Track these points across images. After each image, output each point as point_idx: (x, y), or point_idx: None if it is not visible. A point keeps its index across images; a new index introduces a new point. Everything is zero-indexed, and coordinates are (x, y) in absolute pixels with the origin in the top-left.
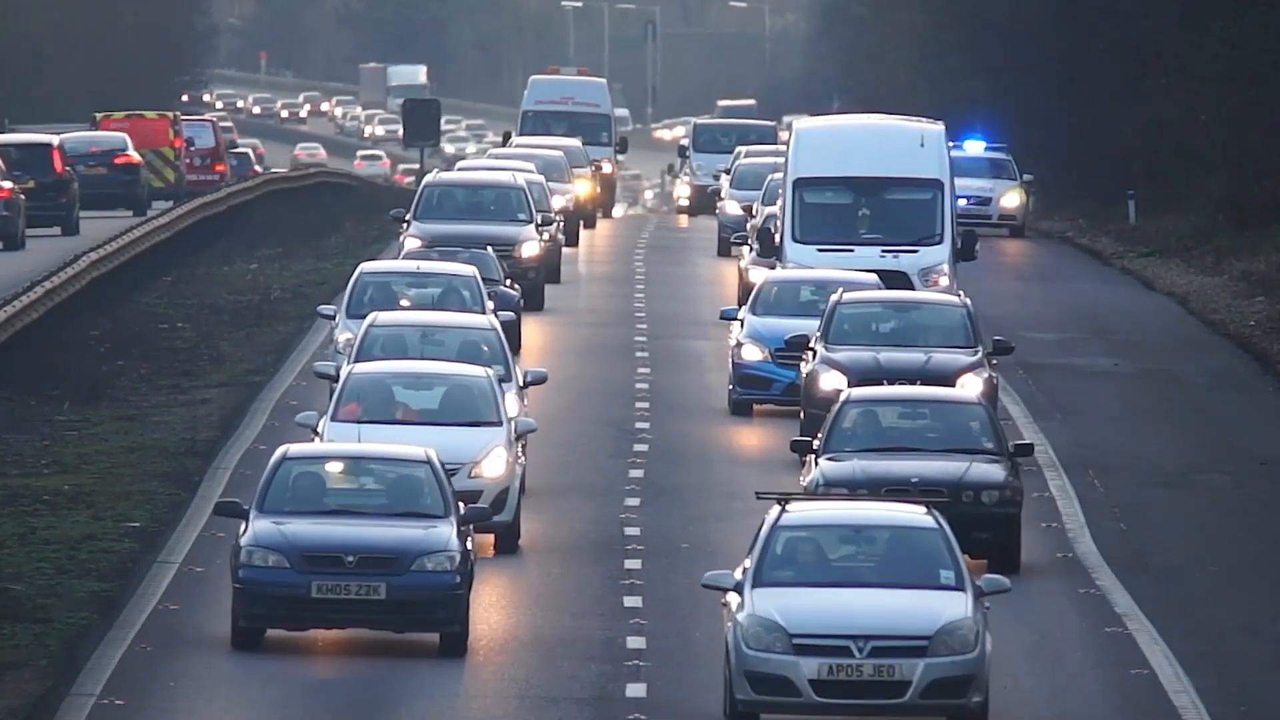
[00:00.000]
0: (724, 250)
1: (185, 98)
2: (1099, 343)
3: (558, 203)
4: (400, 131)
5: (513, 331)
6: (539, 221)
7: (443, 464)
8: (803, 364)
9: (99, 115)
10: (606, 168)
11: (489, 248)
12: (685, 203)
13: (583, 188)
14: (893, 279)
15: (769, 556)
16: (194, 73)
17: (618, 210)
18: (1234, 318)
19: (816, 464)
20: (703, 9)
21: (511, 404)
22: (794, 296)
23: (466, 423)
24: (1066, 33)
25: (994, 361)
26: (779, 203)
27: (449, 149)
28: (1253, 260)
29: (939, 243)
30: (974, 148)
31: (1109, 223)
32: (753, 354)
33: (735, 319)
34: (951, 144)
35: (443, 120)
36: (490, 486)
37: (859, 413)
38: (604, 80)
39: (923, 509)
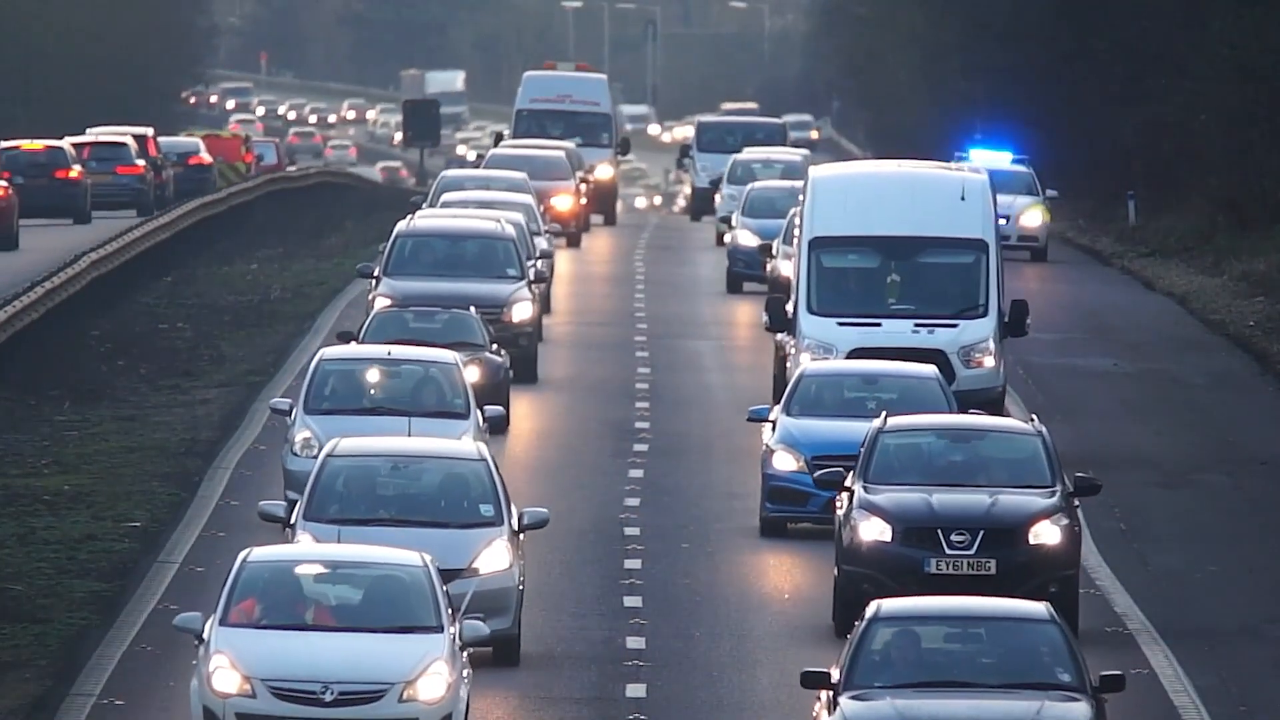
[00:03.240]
0: (734, 287)
1: (232, 105)
2: (1099, 343)
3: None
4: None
5: (500, 422)
6: (531, 277)
7: (366, 683)
8: (837, 507)
9: (182, 132)
10: (606, 171)
11: (472, 308)
12: (684, 203)
13: (563, 203)
14: (927, 361)
15: None
16: (195, 73)
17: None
18: (1234, 318)
19: (836, 704)
20: (703, 9)
21: (500, 555)
22: (837, 393)
23: (397, 628)
24: (1066, 33)
25: (1077, 504)
26: (792, 264)
27: (472, 156)
28: (1253, 260)
29: (983, 315)
30: (992, 158)
31: (1109, 223)
32: (786, 463)
33: (766, 420)
34: (959, 154)
35: (471, 126)
36: (427, 714)
37: (893, 634)
38: (604, 76)
39: None
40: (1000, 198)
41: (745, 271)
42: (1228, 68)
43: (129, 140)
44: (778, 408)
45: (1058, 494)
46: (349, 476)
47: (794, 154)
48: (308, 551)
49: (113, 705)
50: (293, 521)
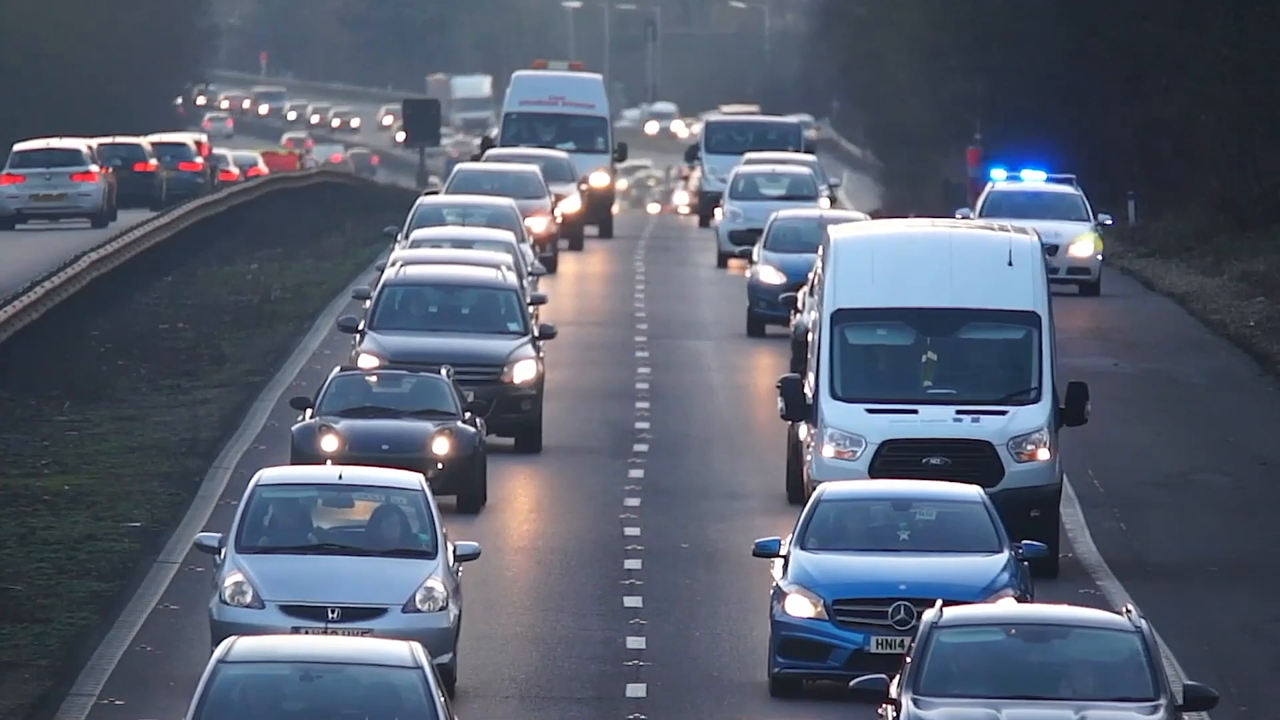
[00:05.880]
0: (755, 329)
1: (265, 110)
2: (1099, 343)
3: None
4: (452, 143)
5: (473, 556)
6: (536, 333)
7: None
8: None
9: None
10: (602, 179)
11: (444, 369)
12: (687, 209)
13: (537, 224)
14: (971, 453)
15: None
16: (195, 73)
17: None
18: (1234, 318)
19: None
20: (703, 9)
21: None
22: (862, 521)
23: None
24: (1066, 33)
25: None
26: (811, 341)
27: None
28: (1253, 260)
29: (1036, 400)
30: (1040, 178)
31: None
32: (801, 608)
33: (775, 554)
34: (1011, 174)
35: (493, 132)
36: None
37: None
38: (599, 76)
39: None
40: (1048, 224)
41: (767, 313)
42: (1228, 68)
43: (189, 141)
44: (789, 539)
45: (1162, 709)
46: (247, 688)
47: (802, 163)
48: None
49: (113, 705)
50: None
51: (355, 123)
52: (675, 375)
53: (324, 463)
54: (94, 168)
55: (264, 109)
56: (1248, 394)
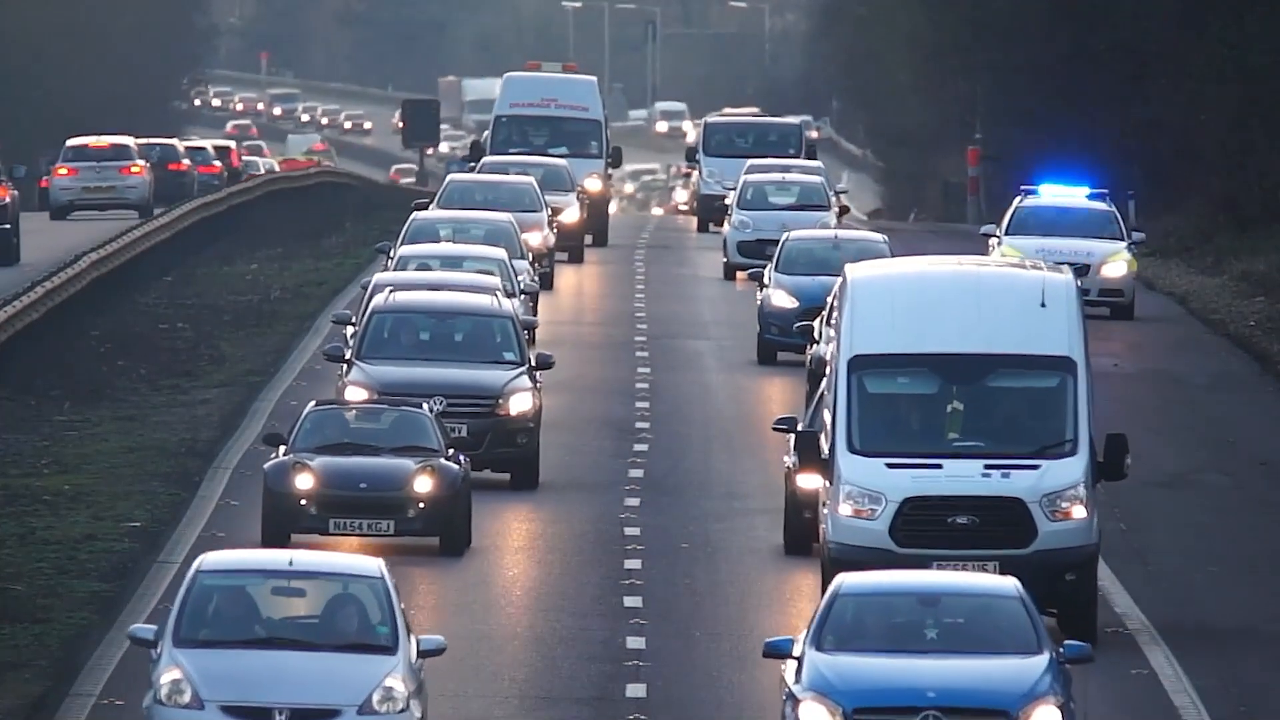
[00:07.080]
0: (767, 357)
1: (279, 112)
2: (1099, 343)
3: None
4: (462, 147)
5: (438, 650)
6: (534, 362)
7: None
8: None
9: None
10: (596, 184)
11: (428, 403)
12: (686, 206)
13: (532, 239)
14: (1001, 512)
15: None
16: (195, 73)
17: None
18: (1234, 318)
19: None
20: (703, 9)
21: None
22: (884, 618)
23: None
24: (1066, 33)
25: None
26: (826, 390)
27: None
28: (1253, 260)
29: (1072, 453)
30: (1066, 193)
31: None
32: (816, 716)
33: (788, 655)
34: (1026, 188)
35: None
36: None
37: None
38: (593, 78)
39: None
40: (1078, 243)
41: (779, 339)
42: (1228, 68)
43: (209, 146)
44: (802, 639)
45: None
46: None
47: (811, 170)
48: None
49: (113, 705)
50: None
51: (368, 125)
52: (675, 375)
53: (298, 502)
54: (141, 163)
55: (277, 110)
56: (1248, 394)
